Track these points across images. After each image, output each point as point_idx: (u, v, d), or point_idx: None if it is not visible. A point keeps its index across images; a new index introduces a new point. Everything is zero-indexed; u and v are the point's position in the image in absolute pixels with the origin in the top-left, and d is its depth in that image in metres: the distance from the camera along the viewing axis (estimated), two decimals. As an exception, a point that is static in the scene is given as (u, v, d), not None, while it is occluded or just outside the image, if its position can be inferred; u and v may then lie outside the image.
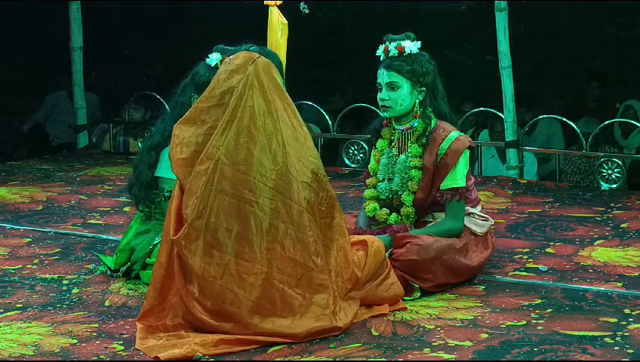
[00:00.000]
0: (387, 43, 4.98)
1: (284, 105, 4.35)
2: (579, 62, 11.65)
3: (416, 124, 4.97)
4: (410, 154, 4.95)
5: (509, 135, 7.54)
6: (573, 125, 7.58)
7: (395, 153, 5.03)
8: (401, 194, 4.97)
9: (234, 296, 4.20)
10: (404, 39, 4.96)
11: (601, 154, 7.51)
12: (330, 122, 8.26)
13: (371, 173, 5.12)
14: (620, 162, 7.21)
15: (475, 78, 11.25)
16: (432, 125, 4.96)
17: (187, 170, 4.27)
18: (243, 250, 4.21)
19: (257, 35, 5.14)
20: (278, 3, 5.38)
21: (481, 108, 8.22)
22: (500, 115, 7.67)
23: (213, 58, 5.10)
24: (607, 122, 7.72)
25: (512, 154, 7.58)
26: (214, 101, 4.32)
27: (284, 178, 4.25)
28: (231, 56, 4.44)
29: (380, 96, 4.98)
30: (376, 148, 5.12)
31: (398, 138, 5.03)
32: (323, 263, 4.29)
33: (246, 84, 4.29)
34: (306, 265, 4.25)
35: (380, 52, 5.00)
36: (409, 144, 4.98)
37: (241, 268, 4.20)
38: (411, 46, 4.94)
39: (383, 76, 4.94)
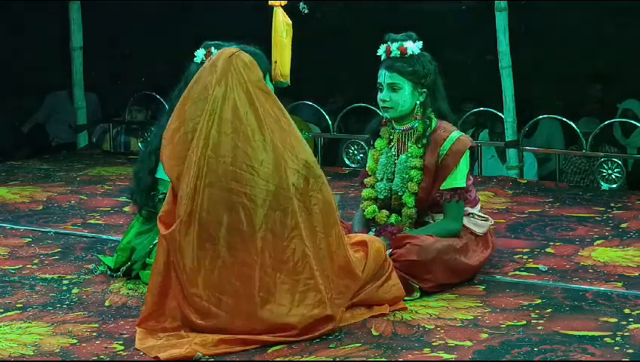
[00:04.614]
0: (389, 43, 4.97)
1: (265, 97, 4.36)
2: (579, 62, 11.63)
3: (416, 125, 4.97)
4: (410, 155, 4.95)
5: (509, 135, 7.54)
6: (573, 125, 7.57)
7: (394, 153, 5.03)
8: (401, 195, 4.96)
9: (231, 286, 4.21)
10: (405, 39, 4.95)
11: (601, 154, 7.51)
12: (330, 122, 8.25)
13: (369, 173, 5.11)
14: (620, 162, 7.21)
15: (475, 78, 11.22)
16: (433, 125, 4.96)
17: (179, 169, 4.30)
18: (235, 242, 4.22)
19: (257, 35, 5.13)
20: (283, 3, 5.38)
21: (482, 109, 8.22)
22: (500, 114, 7.67)
23: (200, 54, 5.13)
24: (607, 122, 7.72)
25: (512, 154, 7.58)
26: (197, 98, 4.34)
27: (270, 166, 4.25)
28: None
29: (380, 96, 4.96)
30: (374, 147, 5.11)
31: (398, 138, 5.02)
32: (315, 249, 4.29)
33: (227, 77, 4.31)
34: (298, 252, 4.25)
35: (381, 52, 4.99)
36: (409, 144, 4.98)
37: (235, 260, 4.21)
38: (413, 47, 4.93)
39: (385, 77, 4.93)
